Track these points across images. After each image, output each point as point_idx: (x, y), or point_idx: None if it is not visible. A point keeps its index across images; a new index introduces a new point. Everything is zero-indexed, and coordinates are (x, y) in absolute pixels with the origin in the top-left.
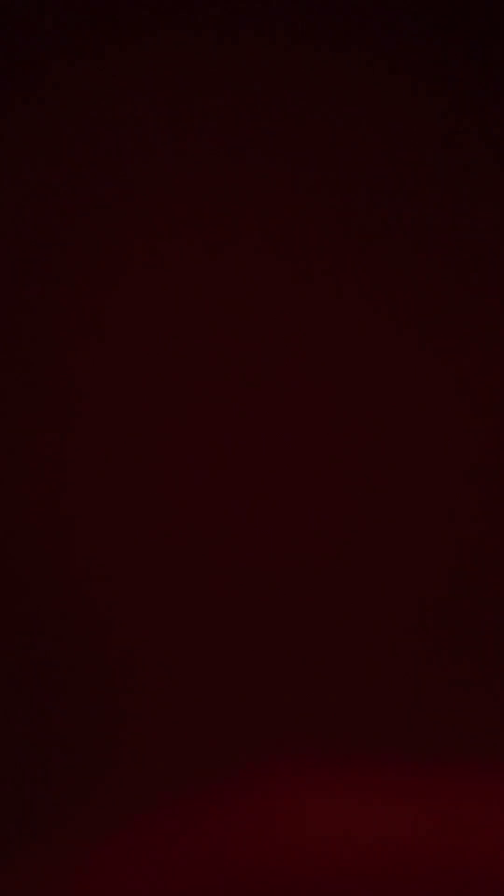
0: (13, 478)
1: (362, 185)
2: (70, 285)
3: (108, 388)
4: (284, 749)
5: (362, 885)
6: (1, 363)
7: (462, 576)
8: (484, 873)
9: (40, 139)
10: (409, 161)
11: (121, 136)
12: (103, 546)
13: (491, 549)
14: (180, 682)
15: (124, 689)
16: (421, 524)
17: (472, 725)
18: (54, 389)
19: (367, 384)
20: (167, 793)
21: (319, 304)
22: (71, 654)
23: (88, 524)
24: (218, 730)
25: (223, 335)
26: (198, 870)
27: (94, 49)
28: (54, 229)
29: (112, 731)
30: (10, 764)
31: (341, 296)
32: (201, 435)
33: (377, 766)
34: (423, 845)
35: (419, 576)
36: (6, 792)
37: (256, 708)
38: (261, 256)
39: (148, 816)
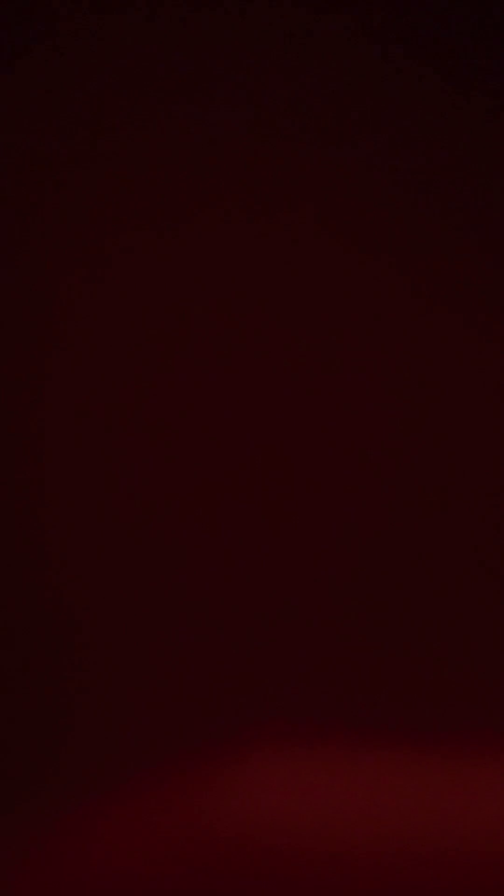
0: None
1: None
2: (49, 276)
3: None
4: (268, 723)
5: (351, 861)
6: None
7: (448, 549)
8: (473, 847)
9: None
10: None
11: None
12: (73, 520)
13: (477, 526)
14: (158, 655)
15: (96, 661)
16: (410, 500)
17: (461, 699)
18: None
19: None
20: (144, 768)
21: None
22: (38, 621)
23: (61, 504)
24: (199, 704)
25: (219, 322)
26: (177, 846)
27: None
28: (33, 221)
29: (85, 704)
30: None
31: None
32: (167, 406)
33: (362, 739)
34: (413, 820)
35: (402, 548)
36: None
37: (240, 682)
38: (263, 243)
39: (123, 791)
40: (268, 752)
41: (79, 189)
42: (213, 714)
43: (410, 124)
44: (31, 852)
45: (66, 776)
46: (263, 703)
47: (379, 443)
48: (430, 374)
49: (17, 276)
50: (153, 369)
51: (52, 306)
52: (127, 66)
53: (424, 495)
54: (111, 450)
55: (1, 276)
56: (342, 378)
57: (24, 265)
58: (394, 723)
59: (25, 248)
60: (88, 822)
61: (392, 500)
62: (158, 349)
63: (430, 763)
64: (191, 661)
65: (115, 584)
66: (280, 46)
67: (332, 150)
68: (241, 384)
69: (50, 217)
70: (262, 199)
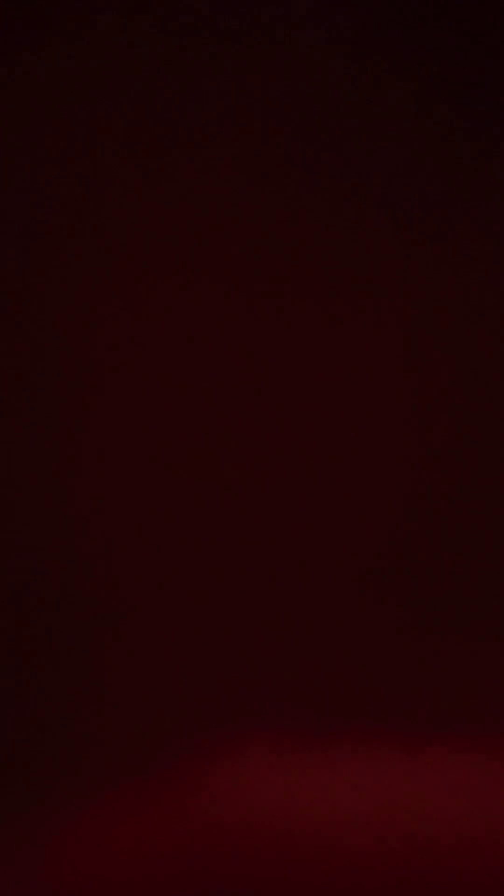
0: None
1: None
2: (77, 283)
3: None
4: (264, 722)
5: (349, 860)
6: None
7: (439, 549)
8: (476, 844)
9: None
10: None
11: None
12: (103, 508)
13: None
14: (152, 652)
15: (103, 660)
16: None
17: (462, 698)
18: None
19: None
20: (138, 769)
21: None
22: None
23: (93, 489)
24: (194, 703)
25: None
26: (173, 846)
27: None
28: (58, 229)
29: (79, 705)
30: None
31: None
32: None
33: (361, 738)
34: (412, 819)
35: (402, 546)
36: None
37: (235, 680)
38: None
39: (118, 793)
40: (264, 752)
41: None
42: (208, 713)
43: (410, 130)
44: (27, 855)
45: (58, 781)
46: (259, 701)
47: (382, 443)
48: (430, 372)
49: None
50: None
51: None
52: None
53: (426, 496)
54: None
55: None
56: (343, 376)
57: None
58: (393, 722)
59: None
60: (84, 826)
61: (394, 499)
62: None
63: (431, 762)
64: (186, 659)
65: (112, 580)
66: (280, 54)
67: (334, 153)
68: (246, 383)
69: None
70: (265, 204)
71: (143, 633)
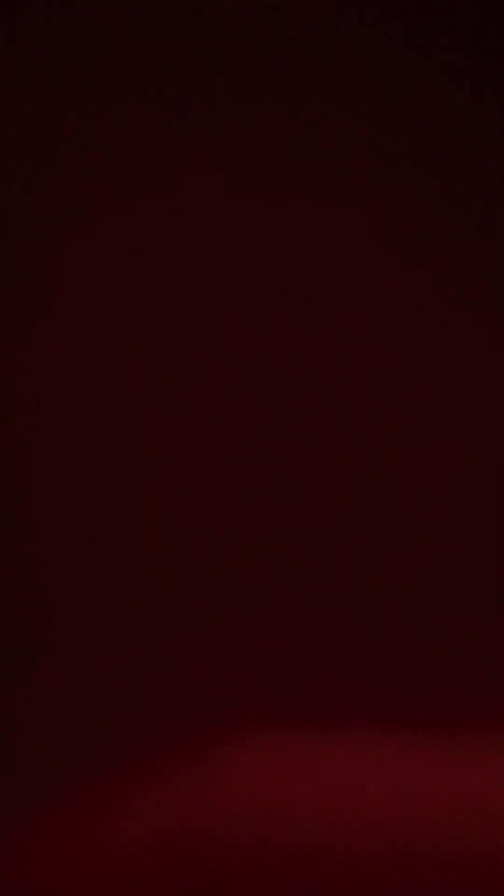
0: None
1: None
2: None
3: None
4: (258, 706)
5: (346, 847)
6: None
7: (445, 533)
8: (474, 832)
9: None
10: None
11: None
12: (56, 494)
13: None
14: (143, 633)
15: (78, 639)
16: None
17: (459, 682)
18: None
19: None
20: (125, 754)
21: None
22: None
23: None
24: (186, 687)
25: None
26: (164, 832)
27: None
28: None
29: (65, 687)
30: None
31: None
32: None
33: (357, 722)
34: (409, 804)
35: (398, 529)
36: None
37: (229, 663)
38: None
39: (105, 778)
40: (258, 737)
41: (75, 167)
42: (201, 697)
43: (413, 113)
44: (12, 839)
45: (41, 765)
46: (253, 685)
47: (378, 431)
48: (429, 366)
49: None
50: (144, 349)
51: (42, 290)
52: (124, 36)
53: (423, 484)
54: (100, 429)
55: None
56: (342, 369)
57: (13, 251)
58: (389, 705)
59: (17, 230)
60: (67, 813)
61: (390, 485)
62: (151, 331)
63: (428, 746)
64: (178, 641)
65: (98, 560)
66: (279, 33)
67: (332, 139)
68: (239, 368)
69: (44, 196)
70: (261, 182)
71: (130, 619)
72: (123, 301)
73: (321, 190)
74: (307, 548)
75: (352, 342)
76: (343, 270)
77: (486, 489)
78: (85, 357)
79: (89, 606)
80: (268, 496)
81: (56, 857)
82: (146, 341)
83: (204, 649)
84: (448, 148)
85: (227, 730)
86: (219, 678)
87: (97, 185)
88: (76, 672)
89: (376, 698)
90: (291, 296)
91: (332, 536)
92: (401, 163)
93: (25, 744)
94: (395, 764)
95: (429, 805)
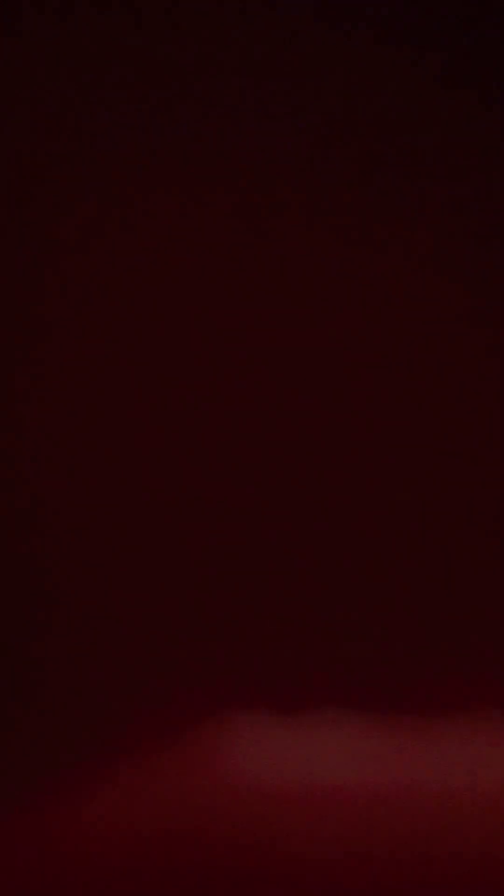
0: None
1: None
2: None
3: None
4: (234, 687)
5: (330, 836)
6: None
7: (412, 518)
8: (461, 813)
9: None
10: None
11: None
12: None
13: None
14: (111, 608)
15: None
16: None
17: (449, 667)
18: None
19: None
20: (93, 741)
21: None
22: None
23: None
24: (156, 666)
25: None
26: (132, 811)
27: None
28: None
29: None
30: None
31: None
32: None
33: (321, 703)
34: (396, 787)
35: (385, 510)
36: None
37: (204, 640)
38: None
39: (77, 760)
40: (233, 718)
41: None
42: (176, 677)
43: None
44: None
45: (17, 755)
46: (229, 665)
47: (378, 431)
48: (430, 364)
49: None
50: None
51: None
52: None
53: (421, 480)
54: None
55: None
56: (341, 363)
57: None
58: (368, 686)
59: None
60: (37, 804)
61: (383, 476)
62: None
63: (418, 725)
64: (153, 623)
65: (79, 535)
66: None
67: (331, 140)
68: (238, 361)
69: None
70: (262, 181)
71: (112, 600)
72: (123, 301)
73: (322, 189)
74: (282, 530)
75: (353, 337)
76: (343, 270)
77: (480, 488)
78: (84, 355)
79: (74, 592)
80: (246, 478)
81: (28, 848)
82: (145, 340)
83: (180, 630)
84: (449, 147)
85: (202, 710)
86: (194, 659)
87: (96, 183)
88: (51, 659)
89: (355, 679)
90: (291, 295)
91: (306, 519)
92: (401, 161)
93: None
94: (372, 744)
95: (410, 789)
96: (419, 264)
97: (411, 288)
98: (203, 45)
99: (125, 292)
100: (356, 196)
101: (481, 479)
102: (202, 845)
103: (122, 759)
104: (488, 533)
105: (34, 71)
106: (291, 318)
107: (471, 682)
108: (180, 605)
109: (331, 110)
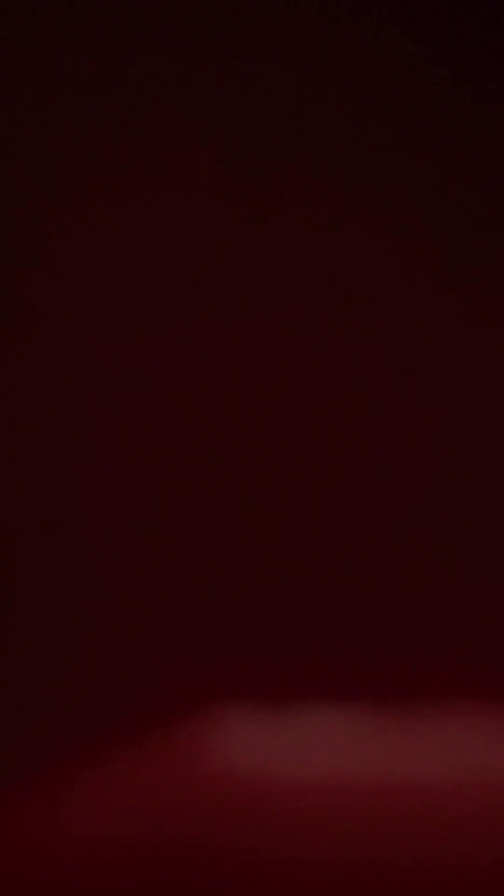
0: None
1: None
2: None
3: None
4: (225, 673)
5: (324, 827)
6: None
7: (406, 509)
8: (455, 801)
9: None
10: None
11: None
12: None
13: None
14: (93, 585)
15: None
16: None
17: (442, 654)
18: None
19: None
20: (83, 726)
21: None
22: None
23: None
24: (143, 659)
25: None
26: (122, 804)
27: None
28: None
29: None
30: None
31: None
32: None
33: (311, 694)
34: (383, 773)
35: (380, 497)
36: None
37: (193, 624)
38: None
39: (64, 749)
40: (223, 709)
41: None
42: (164, 668)
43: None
44: None
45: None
46: (218, 656)
47: (378, 430)
48: (431, 363)
49: None
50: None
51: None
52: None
53: (425, 483)
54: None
55: None
56: (341, 360)
57: None
58: (357, 676)
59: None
60: (23, 793)
61: (384, 470)
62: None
63: (410, 713)
64: (141, 612)
65: (55, 530)
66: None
67: (333, 133)
68: (238, 360)
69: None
70: (261, 180)
71: (103, 593)
72: (122, 300)
73: (321, 190)
74: (273, 524)
75: (352, 332)
76: (344, 269)
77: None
78: (83, 353)
79: (50, 577)
80: (235, 472)
81: (17, 839)
82: (145, 339)
83: (170, 623)
84: (448, 147)
85: (192, 702)
86: (184, 652)
87: (94, 180)
88: (33, 644)
89: (344, 671)
90: (291, 295)
91: (296, 513)
92: (402, 159)
93: None
94: (361, 736)
95: (399, 780)
96: (418, 261)
97: (411, 285)
98: (201, 35)
99: (119, 287)
100: (356, 193)
101: (479, 477)
102: (192, 836)
103: (112, 750)
104: (478, 530)
105: (23, 60)
106: (290, 315)
107: (459, 675)
108: (170, 598)
109: (330, 108)
